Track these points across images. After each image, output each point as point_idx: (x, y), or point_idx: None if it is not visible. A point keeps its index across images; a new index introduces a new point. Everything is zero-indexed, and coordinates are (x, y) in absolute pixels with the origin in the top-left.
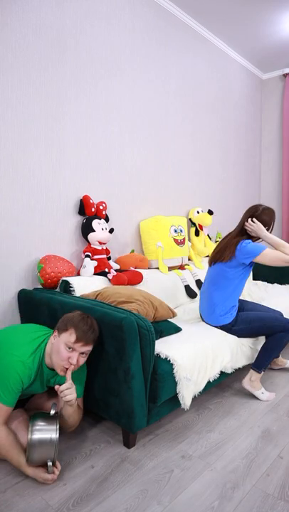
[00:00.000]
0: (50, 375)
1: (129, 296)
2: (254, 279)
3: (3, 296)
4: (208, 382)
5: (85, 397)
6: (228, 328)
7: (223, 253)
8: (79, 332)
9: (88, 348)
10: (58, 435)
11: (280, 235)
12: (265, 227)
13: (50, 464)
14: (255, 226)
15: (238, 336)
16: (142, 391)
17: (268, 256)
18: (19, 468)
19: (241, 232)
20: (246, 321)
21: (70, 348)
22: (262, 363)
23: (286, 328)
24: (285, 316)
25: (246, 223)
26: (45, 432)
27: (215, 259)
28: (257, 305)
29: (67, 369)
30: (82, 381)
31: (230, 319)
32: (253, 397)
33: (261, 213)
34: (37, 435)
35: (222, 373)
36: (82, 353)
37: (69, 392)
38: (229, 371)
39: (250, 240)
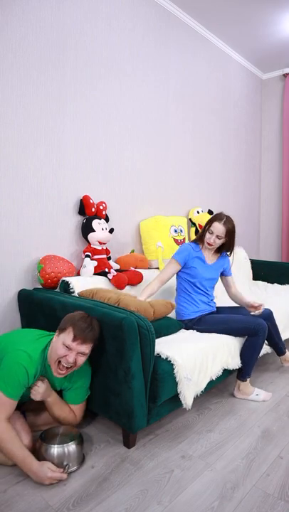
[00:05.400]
0: (53, 377)
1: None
2: (254, 279)
3: (3, 296)
4: (211, 381)
5: None
6: (188, 326)
7: None
8: (76, 330)
9: (86, 348)
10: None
11: (280, 235)
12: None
13: (67, 464)
14: None
15: (200, 332)
16: (142, 391)
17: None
18: (24, 461)
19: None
20: (210, 323)
21: (67, 347)
22: (245, 372)
23: (252, 332)
24: (267, 317)
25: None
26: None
27: None
28: (233, 309)
29: (62, 370)
30: (85, 386)
31: (188, 316)
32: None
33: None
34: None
35: (223, 373)
36: (81, 353)
37: (35, 389)
38: (231, 367)
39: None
